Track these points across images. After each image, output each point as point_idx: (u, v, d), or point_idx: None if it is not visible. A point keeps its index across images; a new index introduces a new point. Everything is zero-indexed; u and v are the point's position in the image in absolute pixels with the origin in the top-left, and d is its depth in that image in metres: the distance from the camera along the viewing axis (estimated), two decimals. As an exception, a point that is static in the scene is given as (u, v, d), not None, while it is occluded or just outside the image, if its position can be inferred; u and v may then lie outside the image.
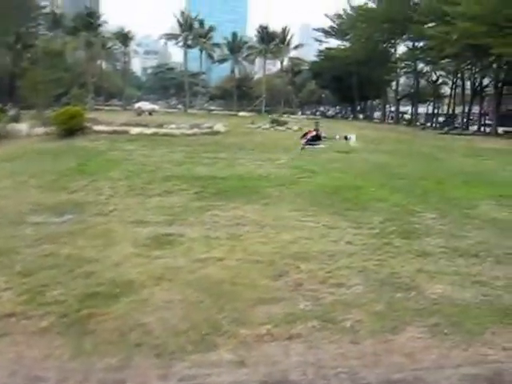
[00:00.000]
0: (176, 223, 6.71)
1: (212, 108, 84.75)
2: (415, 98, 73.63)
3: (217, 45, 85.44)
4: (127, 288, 4.43)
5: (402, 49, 74.11)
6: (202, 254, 5.42)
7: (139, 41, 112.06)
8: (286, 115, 47.27)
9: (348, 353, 3.53)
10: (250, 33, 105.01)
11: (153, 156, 13.68)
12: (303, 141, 18.29)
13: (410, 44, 69.85)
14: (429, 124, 69.48)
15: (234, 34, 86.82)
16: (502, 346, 3.71)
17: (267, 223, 6.88)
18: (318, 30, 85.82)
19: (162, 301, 4.22)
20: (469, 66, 59.84)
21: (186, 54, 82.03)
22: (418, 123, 69.71)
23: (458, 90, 67.48)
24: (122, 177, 10.17)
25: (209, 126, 24.75)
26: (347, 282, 4.79)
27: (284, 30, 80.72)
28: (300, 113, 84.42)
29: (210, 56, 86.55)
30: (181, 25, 79.98)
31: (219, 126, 24.28)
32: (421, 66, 70.17)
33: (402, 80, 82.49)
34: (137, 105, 64.59)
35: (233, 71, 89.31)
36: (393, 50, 75.29)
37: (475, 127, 60.24)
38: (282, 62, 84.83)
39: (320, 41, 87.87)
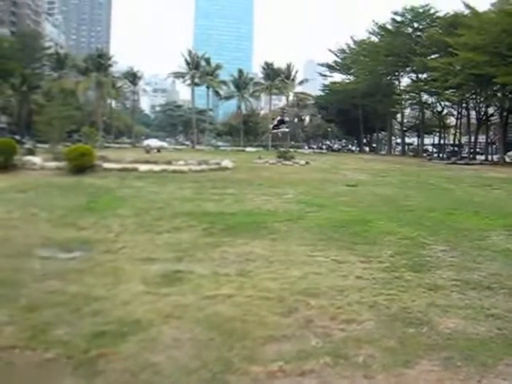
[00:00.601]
0: (185, 260, 6.69)
1: (219, 144, 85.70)
2: (421, 129, 74.06)
3: (223, 82, 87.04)
4: (136, 327, 4.37)
5: (406, 80, 75.09)
6: (211, 290, 5.38)
7: (148, 79, 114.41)
8: (292, 150, 47.56)
9: (361, 388, 3.47)
10: (256, 69, 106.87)
11: (162, 193, 13.74)
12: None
13: (414, 76, 70.72)
14: (435, 155, 69.57)
15: (240, 71, 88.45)
16: (517, 376, 3.63)
17: (276, 259, 6.84)
18: (322, 64, 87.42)
19: (172, 339, 4.17)
20: (473, 96, 60.24)
21: (193, 91, 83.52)
22: (424, 154, 69.81)
23: (464, 120, 67.77)
24: (131, 214, 10.20)
25: (216, 162, 24.94)
26: (358, 318, 4.72)
27: (289, 66, 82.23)
28: (306, 147, 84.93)
29: (217, 93, 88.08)
30: (188, 63, 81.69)
31: (227, 162, 24.45)
32: (425, 97, 70.69)
33: (407, 111, 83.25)
34: (145, 142, 65.58)
35: (239, 107, 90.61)
36: (397, 82, 76.18)
37: (483, 157, 60.22)
38: (287, 98, 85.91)
39: (324, 75, 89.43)
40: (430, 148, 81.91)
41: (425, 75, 65.61)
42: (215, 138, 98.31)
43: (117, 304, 4.93)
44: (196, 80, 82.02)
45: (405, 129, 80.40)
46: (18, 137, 55.70)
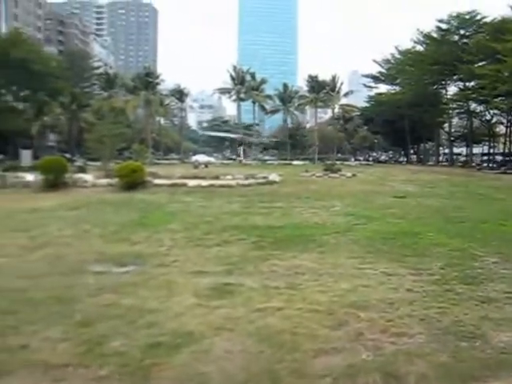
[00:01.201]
0: (235, 273, 6.80)
1: (266, 158, 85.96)
2: (469, 138, 72.07)
3: (269, 96, 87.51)
4: (188, 338, 4.50)
5: (453, 89, 73.22)
6: (261, 303, 5.45)
7: (194, 96, 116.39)
8: (339, 162, 47.32)
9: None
10: (301, 83, 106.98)
11: (210, 207, 13.96)
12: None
13: (461, 84, 68.92)
14: (485, 164, 67.50)
15: (285, 85, 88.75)
16: None
17: (325, 271, 6.86)
18: (367, 76, 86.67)
19: (223, 351, 4.26)
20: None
21: (239, 106, 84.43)
22: (473, 164, 67.91)
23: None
24: (181, 228, 10.42)
25: (264, 176, 25.09)
26: (409, 331, 4.68)
27: (334, 78, 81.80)
28: (353, 159, 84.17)
29: (263, 107, 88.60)
30: (233, 78, 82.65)
31: (274, 176, 24.58)
32: (473, 105, 68.69)
33: (455, 121, 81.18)
34: (193, 158, 66.59)
35: (285, 121, 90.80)
36: (444, 92, 74.48)
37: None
38: (333, 110, 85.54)
39: (369, 86, 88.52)
40: (478, 158, 79.54)
41: (472, 83, 63.94)
42: (262, 152, 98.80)
43: (170, 316, 5.07)
44: (242, 95, 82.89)
45: (452, 138, 78.59)
46: (68, 155, 57.57)
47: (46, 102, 70.08)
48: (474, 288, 6.09)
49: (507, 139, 67.25)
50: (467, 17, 64.21)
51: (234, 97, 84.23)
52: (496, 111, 67.59)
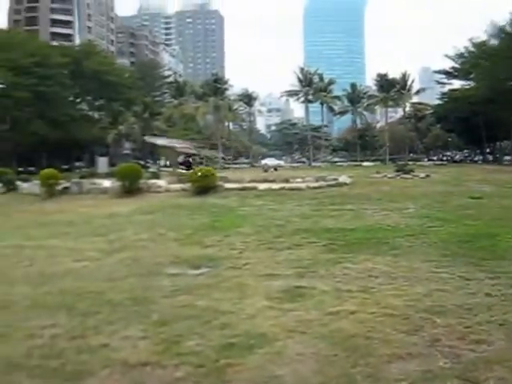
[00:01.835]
0: (306, 276, 6.80)
1: (335, 160, 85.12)
2: (551, 136, 67.91)
3: (337, 97, 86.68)
4: (261, 340, 4.56)
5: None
6: (333, 306, 5.43)
7: (262, 100, 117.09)
8: (411, 162, 46.07)
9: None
10: (369, 82, 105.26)
11: (281, 210, 13.99)
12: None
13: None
14: None
15: (353, 85, 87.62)
16: None
17: (399, 275, 6.73)
18: (439, 72, 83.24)
19: (296, 353, 4.28)
20: None
21: (307, 108, 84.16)
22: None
23: None
24: (252, 231, 10.54)
25: (334, 177, 24.84)
26: (488, 338, 4.51)
27: (404, 76, 79.46)
28: (426, 159, 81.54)
29: (331, 109, 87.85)
30: (301, 81, 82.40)
31: (344, 178, 24.29)
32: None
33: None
34: (263, 161, 67.22)
35: (354, 122, 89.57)
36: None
37: None
38: (404, 109, 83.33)
39: (442, 83, 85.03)
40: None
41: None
42: (331, 154, 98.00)
43: (243, 318, 5.17)
44: (309, 97, 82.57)
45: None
46: (142, 161, 59.62)
47: (120, 111, 73.18)
48: (558, 292, 5.77)
49: None
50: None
51: (301, 99, 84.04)
52: None
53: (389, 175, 29.38)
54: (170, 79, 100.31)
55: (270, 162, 65.50)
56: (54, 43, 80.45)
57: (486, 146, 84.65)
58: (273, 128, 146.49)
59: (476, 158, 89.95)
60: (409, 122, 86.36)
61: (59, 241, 10.36)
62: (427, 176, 28.51)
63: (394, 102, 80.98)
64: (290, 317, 5.16)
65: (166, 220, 12.84)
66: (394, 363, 4.07)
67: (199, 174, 19.18)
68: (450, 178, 26.35)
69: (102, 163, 47.10)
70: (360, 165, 63.18)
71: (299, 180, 24.20)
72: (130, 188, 20.06)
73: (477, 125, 73.10)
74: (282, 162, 75.02)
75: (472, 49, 73.90)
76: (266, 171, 42.60)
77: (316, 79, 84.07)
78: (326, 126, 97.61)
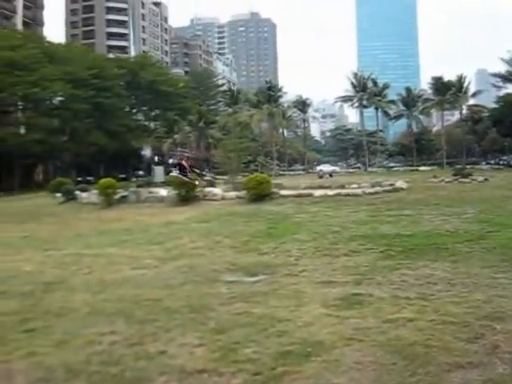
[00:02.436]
0: (364, 283, 6.70)
1: (391, 165, 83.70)
2: None
3: (392, 101, 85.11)
4: (318, 348, 4.51)
5: None
6: (391, 314, 5.32)
7: (316, 106, 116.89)
8: (468, 166, 44.62)
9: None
10: (424, 85, 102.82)
11: (337, 217, 13.84)
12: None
13: None
14: None
15: (408, 89, 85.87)
16: None
17: (458, 281, 6.52)
18: (495, 75, 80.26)
19: (353, 362, 4.22)
20: None
21: (361, 113, 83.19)
22: None
23: None
24: (308, 238, 10.48)
25: (390, 183, 24.39)
26: (553, 345, 4.31)
27: (460, 79, 77.12)
28: (484, 163, 78.71)
29: (386, 113, 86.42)
30: (354, 86, 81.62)
31: (400, 183, 23.79)
32: None
33: None
34: (318, 168, 66.88)
35: (410, 126, 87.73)
36: None
37: None
38: (460, 112, 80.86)
39: (498, 86, 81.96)
40: None
41: None
42: (387, 159, 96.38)
43: (299, 325, 5.13)
44: (364, 102, 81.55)
45: None
46: (197, 170, 60.46)
47: (175, 120, 74.66)
48: None
49: None
50: None
51: (356, 104, 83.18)
52: None
53: (446, 179, 28.53)
54: (224, 88, 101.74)
55: (325, 168, 65.00)
56: (111, 55, 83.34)
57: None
58: (327, 134, 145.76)
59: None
60: (466, 124, 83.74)
61: (117, 249, 10.63)
62: (486, 180, 27.54)
63: (451, 105, 78.72)
64: (348, 324, 5.09)
65: (222, 227, 12.96)
66: (453, 372, 3.95)
67: (253, 181, 19.29)
68: (508, 182, 25.31)
69: (159, 172, 47.53)
70: (417, 169, 61.70)
71: (355, 186, 23.91)
72: (187, 196, 20.37)
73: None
74: (337, 168, 74.30)
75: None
76: (321, 177, 42.35)
77: (370, 84, 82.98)
78: (381, 130, 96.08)
